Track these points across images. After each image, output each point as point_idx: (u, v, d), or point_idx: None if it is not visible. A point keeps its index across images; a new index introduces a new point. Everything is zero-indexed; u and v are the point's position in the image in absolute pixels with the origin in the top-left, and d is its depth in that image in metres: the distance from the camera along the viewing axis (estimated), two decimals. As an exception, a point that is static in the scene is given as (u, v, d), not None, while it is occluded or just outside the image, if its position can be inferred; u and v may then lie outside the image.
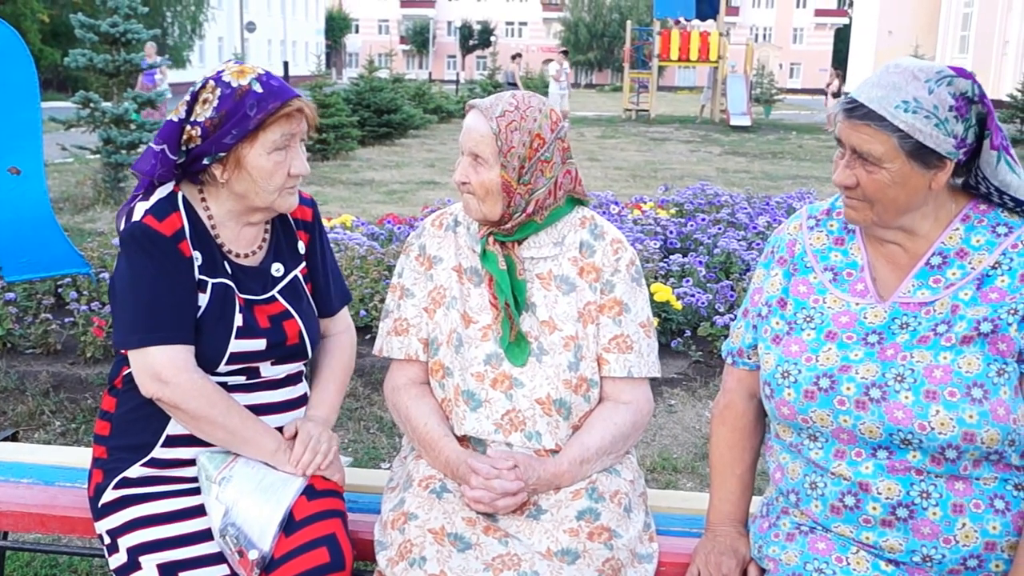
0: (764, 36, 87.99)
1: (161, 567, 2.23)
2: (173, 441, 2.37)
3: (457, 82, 46.82)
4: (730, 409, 2.37)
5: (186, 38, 48.70)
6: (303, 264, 2.53)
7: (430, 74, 65.24)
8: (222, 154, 2.27)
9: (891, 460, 2.00)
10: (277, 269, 2.46)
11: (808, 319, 2.15)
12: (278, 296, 2.44)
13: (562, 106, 24.74)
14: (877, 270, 2.14)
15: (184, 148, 2.29)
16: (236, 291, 2.37)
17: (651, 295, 6.42)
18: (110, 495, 2.35)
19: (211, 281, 2.34)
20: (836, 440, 2.06)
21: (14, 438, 3.09)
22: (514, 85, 26.96)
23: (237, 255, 2.42)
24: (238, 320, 2.34)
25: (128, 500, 2.32)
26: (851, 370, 2.03)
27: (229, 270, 2.38)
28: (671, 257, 7.38)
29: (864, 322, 2.08)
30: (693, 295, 6.60)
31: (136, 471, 2.36)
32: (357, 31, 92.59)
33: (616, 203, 9.48)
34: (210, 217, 2.39)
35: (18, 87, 6.05)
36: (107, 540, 2.33)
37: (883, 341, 2.04)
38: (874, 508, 2.01)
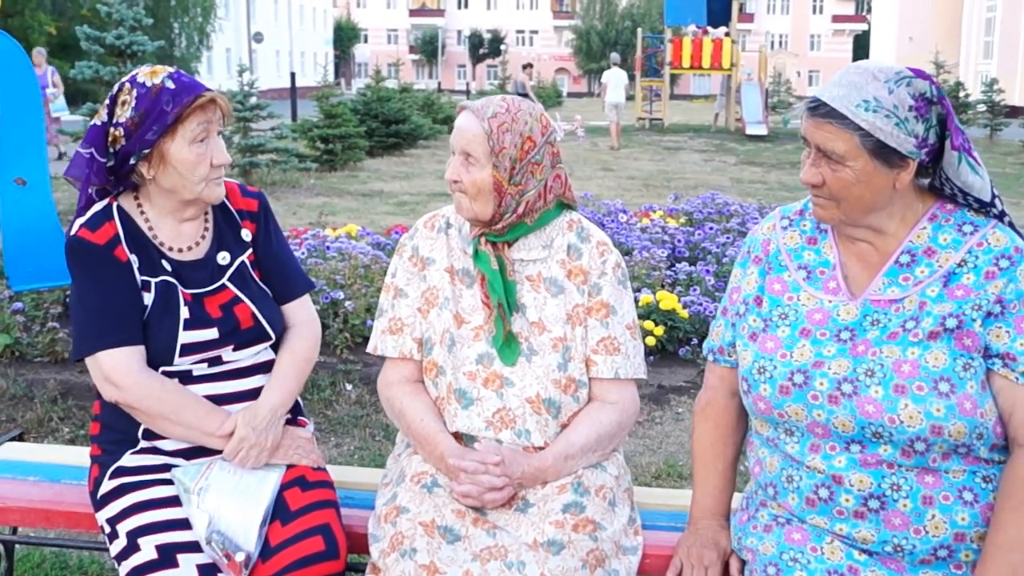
0: (780, 43, 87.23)
1: (160, 548, 2.30)
2: (150, 434, 2.50)
3: (467, 92, 46.65)
4: (712, 406, 2.43)
5: (193, 49, 48.71)
6: (249, 251, 2.63)
7: (439, 84, 65.16)
8: (146, 151, 2.39)
9: (863, 453, 2.06)
10: (223, 258, 2.58)
11: (783, 316, 2.21)
12: (228, 284, 2.55)
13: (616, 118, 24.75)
14: (849, 268, 2.20)
15: (112, 150, 2.42)
16: (179, 287, 2.49)
17: (657, 303, 6.46)
18: (107, 485, 2.45)
19: (153, 280, 2.47)
20: (811, 434, 2.12)
21: (20, 438, 3.18)
22: (524, 95, 26.86)
23: (180, 250, 2.53)
24: (184, 313, 2.45)
25: (125, 488, 2.43)
26: (824, 366, 2.10)
27: (169, 267, 2.50)
28: (678, 265, 7.40)
29: (837, 319, 2.14)
30: (700, 304, 6.60)
31: (128, 460, 2.47)
32: (366, 41, 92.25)
33: (624, 211, 9.49)
34: (146, 220, 2.52)
35: (22, 99, 6.13)
36: (107, 529, 2.42)
37: (855, 337, 2.11)
38: (847, 500, 2.08)
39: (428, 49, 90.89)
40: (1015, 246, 2.08)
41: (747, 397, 2.24)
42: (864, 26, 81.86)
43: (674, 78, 31.86)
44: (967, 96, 28.94)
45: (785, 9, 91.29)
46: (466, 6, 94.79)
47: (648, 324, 6.24)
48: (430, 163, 19.89)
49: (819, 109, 2.04)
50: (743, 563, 2.27)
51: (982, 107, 28.36)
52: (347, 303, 6.34)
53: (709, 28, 29.54)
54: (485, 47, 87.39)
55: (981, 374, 2.03)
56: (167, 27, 43.24)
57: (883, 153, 2.02)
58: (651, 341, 6.15)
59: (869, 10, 71.74)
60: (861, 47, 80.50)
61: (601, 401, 2.52)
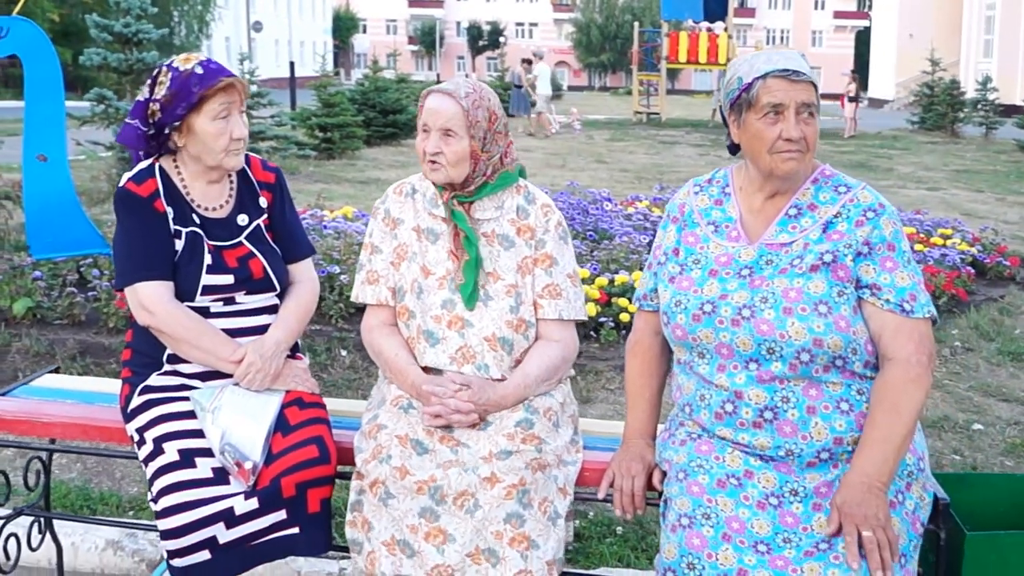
0: (781, 38, 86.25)
1: (181, 452, 2.78)
2: (173, 359, 2.98)
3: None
4: (639, 344, 2.91)
5: (193, 38, 48.73)
6: (265, 216, 3.12)
7: (438, 75, 64.62)
8: (177, 123, 2.90)
9: (759, 371, 2.53)
10: (242, 219, 3.07)
11: (696, 261, 2.71)
12: (244, 241, 3.04)
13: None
14: (747, 222, 2.71)
15: (151, 121, 2.93)
16: (205, 238, 2.97)
17: (633, 283, 6.85)
18: (136, 401, 2.94)
19: (184, 230, 2.96)
20: (719, 355, 2.59)
21: (56, 372, 3.63)
22: (519, 87, 27.21)
23: (206, 208, 3.02)
24: (207, 260, 2.95)
25: (151, 403, 2.91)
26: (728, 297, 2.59)
27: (198, 221, 2.99)
28: (657, 249, 7.84)
29: (738, 260, 2.64)
30: (669, 281, 7.02)
31: (154, 380, 2.96)
32: (365, 31, 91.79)
33: (610, 200, 9.84)
34: (182, 180, 3.02)
35: (44, 81, 6.53)
36: (136, 437, 2.90)
37: (753, 274, 2.61)
38: (747, 412, 2.54)
39: (427, 40, 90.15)
40: (879, 202, 2.62)
41: (667, 328, 2.72)
42: (866, 22, 79.59)
43: (675, 73, 31.36)
44: (962, 94, 28.98)
45: (787, 4, 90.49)
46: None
47: (623, 301, 6.67)
48: (426, 153, 20.06)
49: (796, 74, 2.53)
50: (664, 474, 2.74)
51: (979, 105, 28.26)
52: (342, 276, 6.78)
53: (705, 23, 29.32)
54: (484, 39, 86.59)
55: (853, 300, 2.54)
56: (167, 15, 43.33)
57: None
58: (624, 317, 6.58)
59: (871, 6, 70.77)
60: (863, 43, 78.92)
61: (547, 339, 2.98)
